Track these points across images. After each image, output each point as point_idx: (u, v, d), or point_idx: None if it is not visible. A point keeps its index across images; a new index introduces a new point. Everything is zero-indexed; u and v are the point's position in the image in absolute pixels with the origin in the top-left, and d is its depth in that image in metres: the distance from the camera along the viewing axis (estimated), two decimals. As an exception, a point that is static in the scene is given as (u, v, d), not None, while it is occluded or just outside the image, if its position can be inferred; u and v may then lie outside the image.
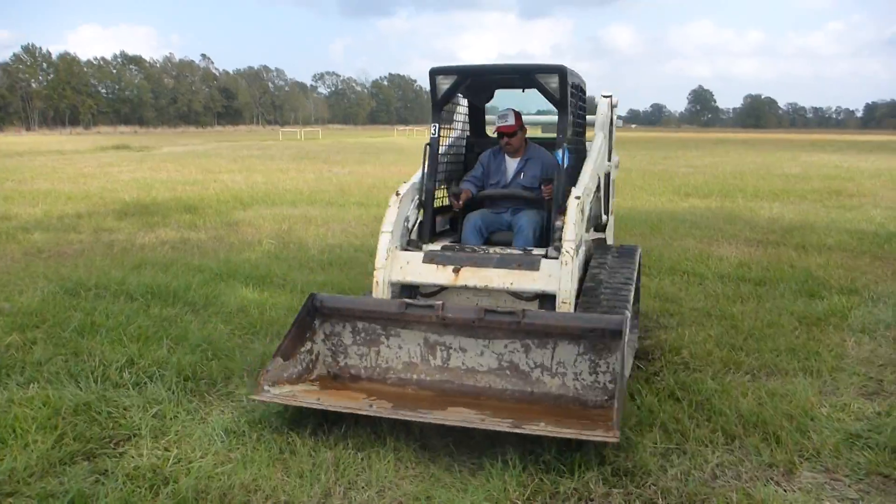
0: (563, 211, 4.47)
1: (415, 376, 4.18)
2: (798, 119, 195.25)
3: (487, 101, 5.83)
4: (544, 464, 3.45)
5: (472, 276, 4.39)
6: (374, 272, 4.50)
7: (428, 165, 4.96)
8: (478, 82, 5.27)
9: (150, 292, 6.41)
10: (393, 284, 4.53)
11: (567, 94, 4.78)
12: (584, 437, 3.40)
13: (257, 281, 7.03)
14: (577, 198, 4.41)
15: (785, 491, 3.31)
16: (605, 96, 5.77)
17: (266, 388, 3.80)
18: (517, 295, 4.52)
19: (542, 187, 5.07)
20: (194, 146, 44.78)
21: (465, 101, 5.69)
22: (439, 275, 4.44)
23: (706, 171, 23.43)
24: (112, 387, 4.27)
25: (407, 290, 4.63)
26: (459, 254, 4.57)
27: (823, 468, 3.53)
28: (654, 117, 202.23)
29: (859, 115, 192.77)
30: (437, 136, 4.99)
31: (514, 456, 3.48)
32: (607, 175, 5.68)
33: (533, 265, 4.35)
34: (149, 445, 3.58)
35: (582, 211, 4.47)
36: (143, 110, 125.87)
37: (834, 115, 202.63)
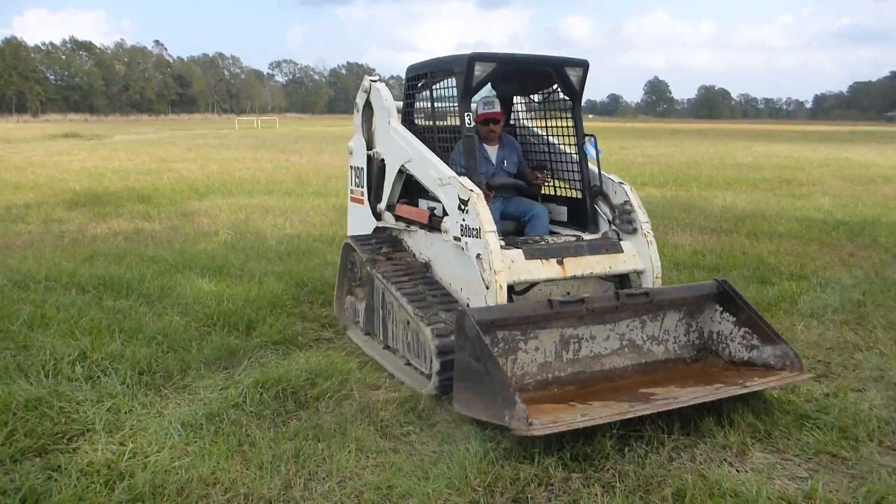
0: (597, 194, 4.99)
1: (550, 375, 4.11)
2: (750, 110, 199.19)
3: (514, 94, 5.77)
4: (505, 451, 3.48)
5: (577, 266, 4.46)
6: (496, 275, 4.07)
7: (469, 158, 4.64)
8: (506, 72, 5.08)
9: (103, 284, 6.26)
10: (510, 285, 4.29)
11: (584, 87, 5.02)
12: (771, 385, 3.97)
13: (214, 272, 6.92)
14: (622, 183, 4.89)
15: (738, 471, 3.40)
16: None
17: (533, 423, 3.35)
18: (607, 278, 4.78)
19: (537, 174, 5.31)
20: (147, 134, 43.83)
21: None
22: (547, 269, 4.37)
23: (662, 160, 23.78)
24: (64, 381, 4.17)
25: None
26: (551, 246, 4.51)
27: (774, 448, 3.63)
28: (611, 107, 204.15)
29: (809, 106, 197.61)
30: (472, 125, 4.72)
31: (475, 443, 3.50)
32: None
33: (617, 248, 4.67)
34: (103, 440, 3.50)
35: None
36: (93, 98, 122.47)
37: (784, 107, 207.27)
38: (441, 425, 3.81)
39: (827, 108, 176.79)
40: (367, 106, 5.53)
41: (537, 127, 5.75)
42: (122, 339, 4.86)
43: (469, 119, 4.64)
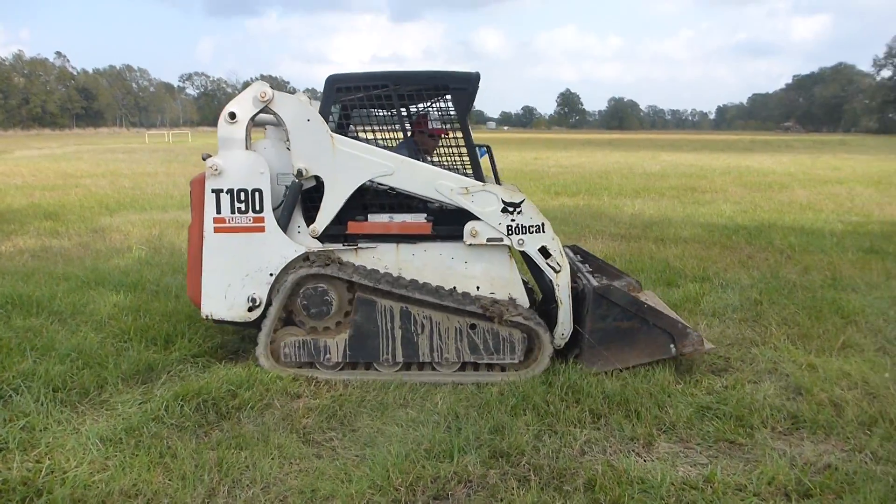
0: None
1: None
2: (658, 121, 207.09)
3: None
4: (425, 451, 3.60)
5: None
6: (563, 259, 4.84)
7: (477, 169, 4.83)
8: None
9: (10, 302, 6.05)
10: None
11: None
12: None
13: (129, 288, 6.78)
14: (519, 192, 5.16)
15: (644, 461, 3.63)
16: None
17: None
18: None
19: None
20: (52, 149, 41.95)
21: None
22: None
23: (574, 171, 24.50)
24: (-28, 402, 4.05)
25: None
26: None
27: (678, 438, 3.88)
28: (526, 119, 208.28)
29: (712, 116, 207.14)
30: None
31: (396, 446, 3.61)
32: None
33: None
34: (18, 458, 3.43)
35: None
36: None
37: (690, 118, 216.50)
38: (363, 430, 3.89)
39: (729, 118, 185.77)
40: (254, 119, 4.92)
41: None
42: (33, 357, 4.72)
43: (470, 132, 4.88)
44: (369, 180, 4.71)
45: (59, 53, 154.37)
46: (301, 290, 4.70)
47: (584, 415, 4.07)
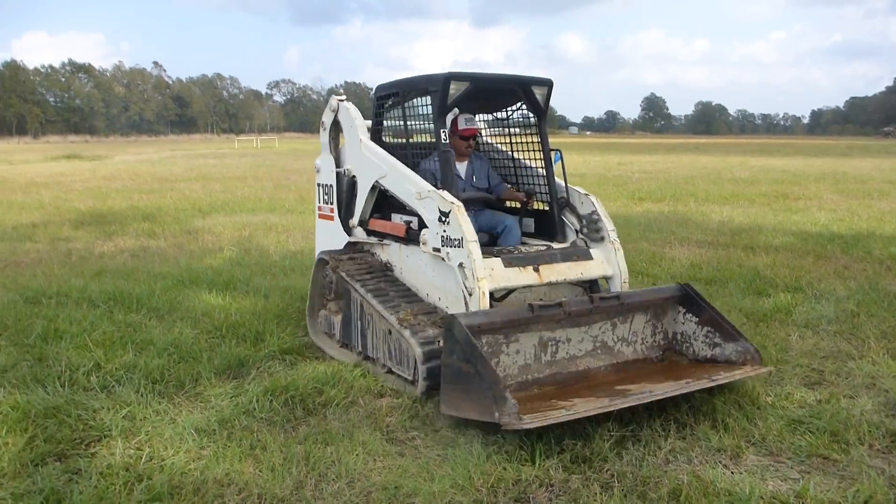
0: (564, 206, 5.25)
1: (530, 376, 4.32)
2: (747, 125, 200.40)
3: (479, 111, 5.80)
4: (507, 453, 3.61)
5: (551, 273, 4.70)
6: (479, 282, 4.27)
7: (446, 172, 4.82)
8: (473, 91, 5.13)
9: (113, 299, 6.41)
10: (492, 292, 4.50)
11: (549, 104, 5.30)
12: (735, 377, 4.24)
13: (220, 286, 7.07)
14: (588, 195, 5.20)
15: (732, 473, 3.52)
16: None
17: (524, 418, 3.56)
18: (578, 284, 5.02)
19: (520, 194, 5.53)
20: (148, 155, 44.09)
21: None
22: (525, 276, 4.62)
23: (659, 176, 23.99)
24: (80, 390, 4.31)
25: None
26: (526, 255, 4.76)
27: (768, 451, 3.75)
28: (609, 124, 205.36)
29: (806, 121, 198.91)
30: (447, 141, 4.92)
31: (478, 447, 3.63)
32: None
33: (587, 255, 4.94)
34: (120, 445, 3.63)
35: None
36: (93, 119, 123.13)
37: (782, 122, 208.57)
38: (444, 430, 3.93)
39: (824, 123, 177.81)
40: (335, 124, 5.66)
41: (500, 143, 5.95)
42: (134, 351, 5.00)
43: (444, 135, 4.87)
44: (376, 181, 5.17)
45: (156, 63, 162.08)
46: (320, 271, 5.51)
47: (669, 424, 3.99)
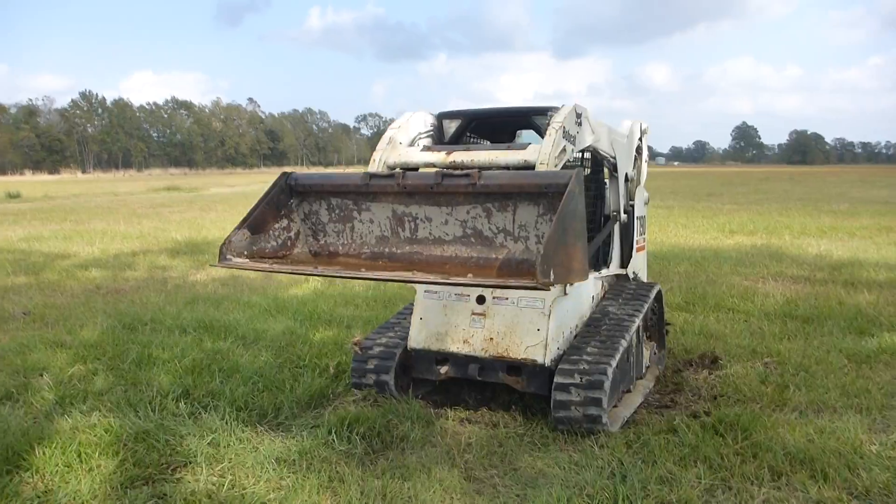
0: None
1: (387, 249, 4.20)
2: (846, 154, 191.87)
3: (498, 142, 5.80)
4: (588, 496, 3.49)
5: (463, 156, 4.37)
6: (373, 153, 4.59)
7: None
8: (480, 125, 5.19)
9: (203, 326, 6.63)
10: (390, 166, 4.51)
11: None
12: (510, 285, 3.56)
13: (305, 317, 7.20)
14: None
15: (833, 527, 3.29)
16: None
17: (228, 257, 3.98)
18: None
19: None
20: (242, 186, 45.89)
21: None
22: (431, 156, 4.48)
23: (751, 208, 23.18)
24: (169, 416, 4.44)
25: None
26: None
27: (873, 506, 3.49)
28: (698, 154, 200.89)
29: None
30: None
31: (558, 488, 3.53)
32: (618, 218, 5.62)
33: (523, 147, 4.36)
34: (204, 472, 3.71)
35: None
36: (192, 153, 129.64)
37: (884, 150, 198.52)
38: (523, 470, 3.84)
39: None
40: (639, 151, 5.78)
41: None
42: (220, 378, 5.13)
43: None
44: None
45: (250, 100, 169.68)
46: None
47: (763, 471, 3.77)
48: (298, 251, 4.30)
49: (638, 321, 4.95)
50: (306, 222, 4.35)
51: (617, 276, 5.67)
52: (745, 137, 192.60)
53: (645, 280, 6.12)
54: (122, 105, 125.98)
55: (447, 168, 4.32)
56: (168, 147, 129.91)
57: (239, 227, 4.05)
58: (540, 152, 4.13)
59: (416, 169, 4.53)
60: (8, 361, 5.66)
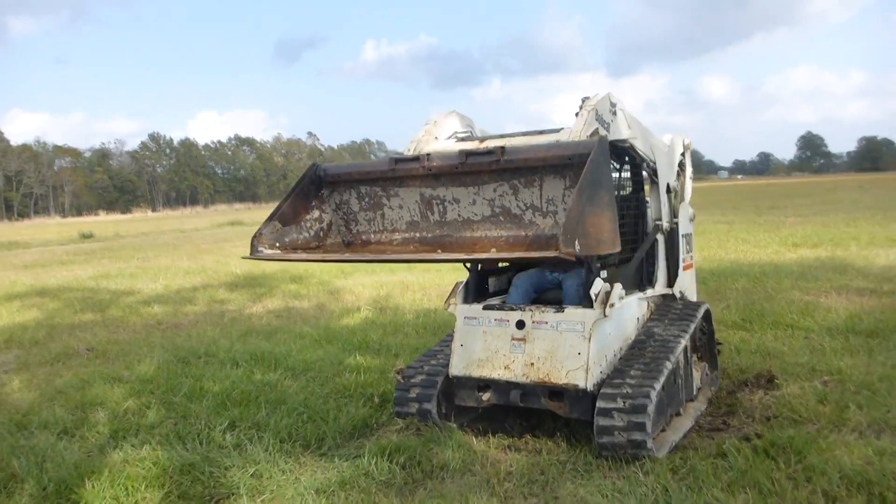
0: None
1: (417, 234, 4.19)
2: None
3: None
4: (630, 525, 3.39)
5: (497, 143, 4.25)
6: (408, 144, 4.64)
7: None
8: None
9: (255, 359, 6.76)
10: None
11: None
12: (531, 256, 3.62)
13: (354, 346, 7.27)
14: None
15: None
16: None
17: (259, 249, 4.01)
18: None
19: None
20: (302, 219, 46.75)
21: None
22: (465, 145, 4.49)
23: (816, 219, 22.39)
24: (215, 448, 4.53)
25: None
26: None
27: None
28: (762, 166, 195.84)
29: None
30: None
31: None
32: (659, 228, 5.49)
33: (556, 131, 4.36)
34: (246, 503, 3.76)
35: None
36: (255, 187, 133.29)
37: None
38: (565, 498, 3.77)
39: None
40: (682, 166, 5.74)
41: None
42: (267, 409, 5.21)
43: None
44: None
45: (310, 133, 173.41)
46: None
47: (816, 496, 3.60)
48: (331, 241, 4.34)
49: (684, 342, 4.83)
50: (338, 212, 4.38)
51: (663, 296, 5.55)
52: (812, 147, 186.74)
53: (694, 299, 5.96)
54: (188, 144, 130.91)
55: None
56: (232, 183, 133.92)
57: (270, 219, 4.09)
58: (571, 132, 4.09)
59: None
60: (69, 397, 5.88)
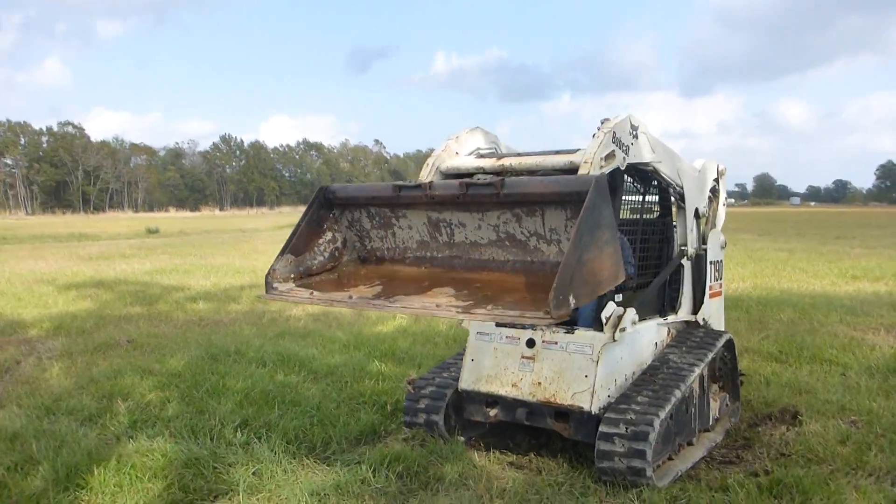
0: None
1: (428, 254, 4.22)
2: None
3: None
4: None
5: (513, 161, 4.39)
6: (427, 159, 4.60)
7: None
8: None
9: (281, 360, 6.91)
10: (442, 172, 4.59)
11: None
12: (521, 320, 3.35)
13: (380, 354, 7.34)
14: None
15: None
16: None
17: (274, 286, 4.00)
18: None
19: None
20: (360, 225, 47.37)
21: None
22: (482, 162, 4.53)
23: (884, 252, 21.50)
24: (224, 444, 4.65)
25: None
26: None
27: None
28: (838, 194, 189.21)
29: None
30: None
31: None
32: (685, 253, 5.39)
33: (573, 151, 4.35)
34: (242, 501, 3.85)
35: None
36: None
37: None
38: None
39: None
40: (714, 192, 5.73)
41: None
42: (280, 411, 5.32)
43: None
44: None
45: (377, 141, 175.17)
46: None
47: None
48: (347, 259, 4.41)
49: (699, 370, 4.74)
50: (351, 229, 4.45)
51: (687, 322, 5.45)
52: (892, 176, 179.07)
53: (720, 328, 5.83)
54: (257, 147, 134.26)
55: (496, 172, 4.37)
56: (298, 186, 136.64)
57: (282, 253, 4.15)
58: (585, 154, 4.10)
59: (470, 175, 4.52)
60: (100, 385, 6.13)
